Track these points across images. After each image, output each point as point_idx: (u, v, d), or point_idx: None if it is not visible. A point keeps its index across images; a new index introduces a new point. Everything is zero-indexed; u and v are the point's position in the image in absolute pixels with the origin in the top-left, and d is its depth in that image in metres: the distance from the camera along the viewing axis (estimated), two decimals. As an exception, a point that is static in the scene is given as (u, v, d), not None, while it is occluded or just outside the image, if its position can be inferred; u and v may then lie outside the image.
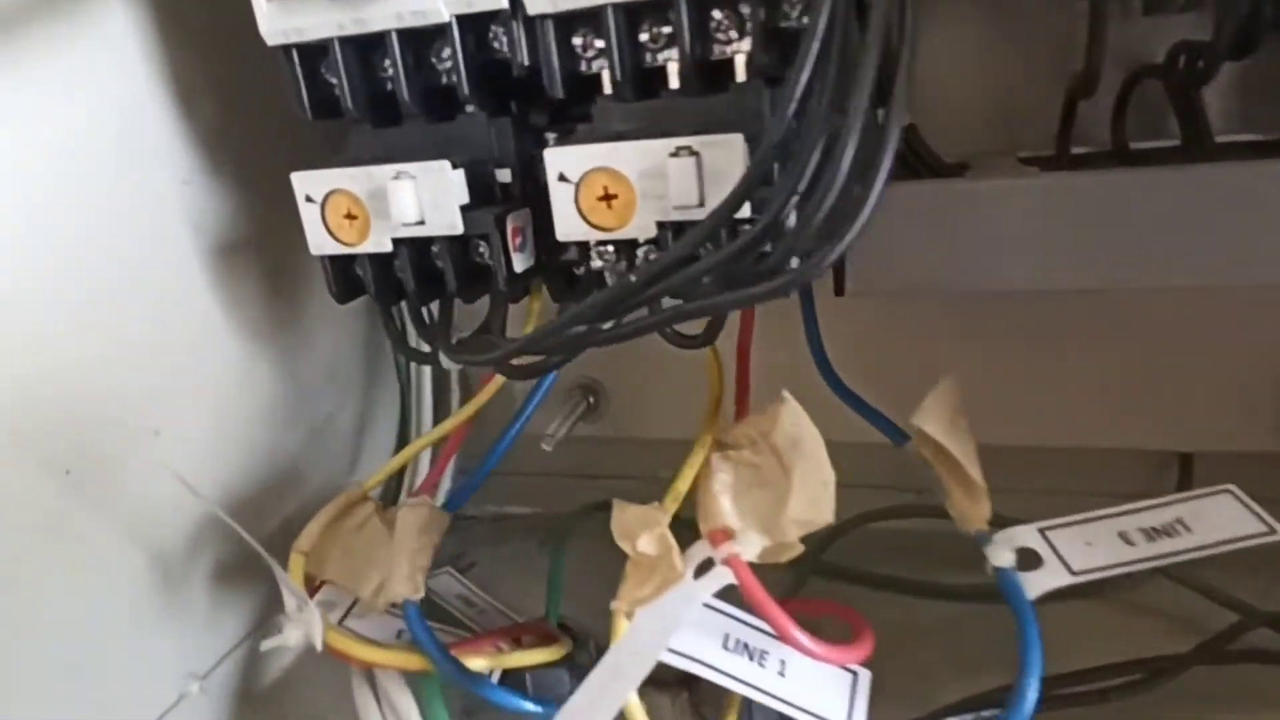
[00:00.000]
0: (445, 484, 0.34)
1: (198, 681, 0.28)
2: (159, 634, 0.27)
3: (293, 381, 0.32)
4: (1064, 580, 0.21)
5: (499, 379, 0.29)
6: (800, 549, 0.20)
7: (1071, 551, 0.22)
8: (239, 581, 0.30)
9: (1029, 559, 0.22)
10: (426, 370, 0.36)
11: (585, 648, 0.28)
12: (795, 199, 0.18)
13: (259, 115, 0.28)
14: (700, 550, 0.21)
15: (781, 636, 0.20)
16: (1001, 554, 0.21)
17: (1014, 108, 0.32)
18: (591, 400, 0.39)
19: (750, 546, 0.20)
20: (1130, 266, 0.24)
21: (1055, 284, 0.25)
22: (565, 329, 0.21)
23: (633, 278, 0.19)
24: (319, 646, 0.22)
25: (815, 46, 0.17)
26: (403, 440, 0.37)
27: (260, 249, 0.30)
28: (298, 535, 0.26)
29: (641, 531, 0.21)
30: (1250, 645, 0.28)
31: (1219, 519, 0.22)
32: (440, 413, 0.36)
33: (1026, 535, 0.22)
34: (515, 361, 0.23)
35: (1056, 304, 0.31)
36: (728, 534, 0.21)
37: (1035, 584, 0.21)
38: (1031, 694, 0.19)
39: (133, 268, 0.25)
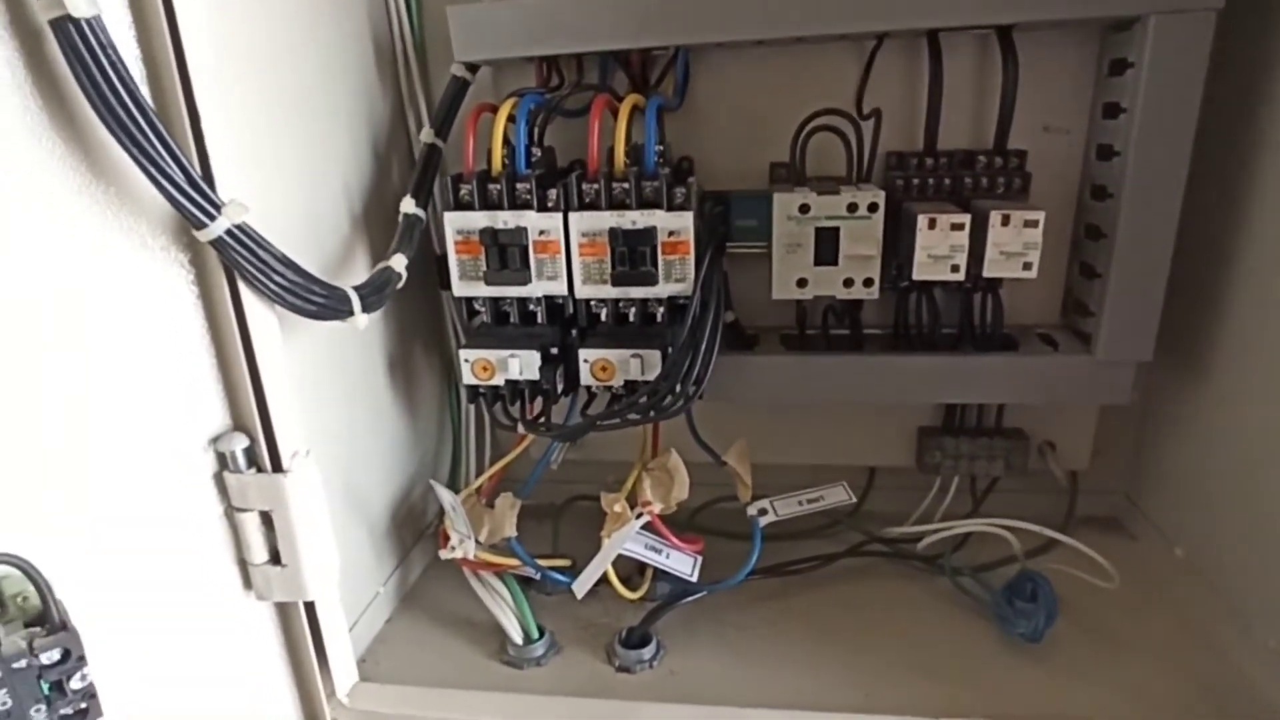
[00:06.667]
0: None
1: (381, 586, 0.56)
2: (373, 558, 0.55)
3: (415, 434, 0.61)
4: (774, 519, 0.54)
5: (528, 438, 0.59)
6: (675, 509, 0.52)
7: (781, 509, 0.56)
8: (391, 531, 0.58)
9: (763, 512, 0.55)
10: (472, 429, 0.65)
11: (573, 562, 0.59)
12: (679, 380, 0.50)
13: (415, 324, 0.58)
14: (637, 510, 0.52)
15: (668, 542, 0.52)
16: (752, 511, 0.55)
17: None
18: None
19: (658, 508, 0.52)
20: (816, 391, 0.58)
21: (790, 399, 0.59)
22: (584, 427, 0.52)
23: (613, 407, 0.51)
24: (471, 557, 0.52)
25: (690, 318, 0.49)
26: (455, 462, 0.66)
27: (406, 373, 0.59)
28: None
29: (615, 503, 0.52)
30: (867, 549, 0.63)
31: (836, 495, 0.57)
32: (480, 450, 0.66)
33: (763, 503, 0.55)
34: (557, 433, 0.54)
35: (804, 408, 0.65)
36: (648, 503, 0.52)
37: (762, 522, 0.54)
38: (753, 560, 0.52)
39: (363, 385, 0.54)
